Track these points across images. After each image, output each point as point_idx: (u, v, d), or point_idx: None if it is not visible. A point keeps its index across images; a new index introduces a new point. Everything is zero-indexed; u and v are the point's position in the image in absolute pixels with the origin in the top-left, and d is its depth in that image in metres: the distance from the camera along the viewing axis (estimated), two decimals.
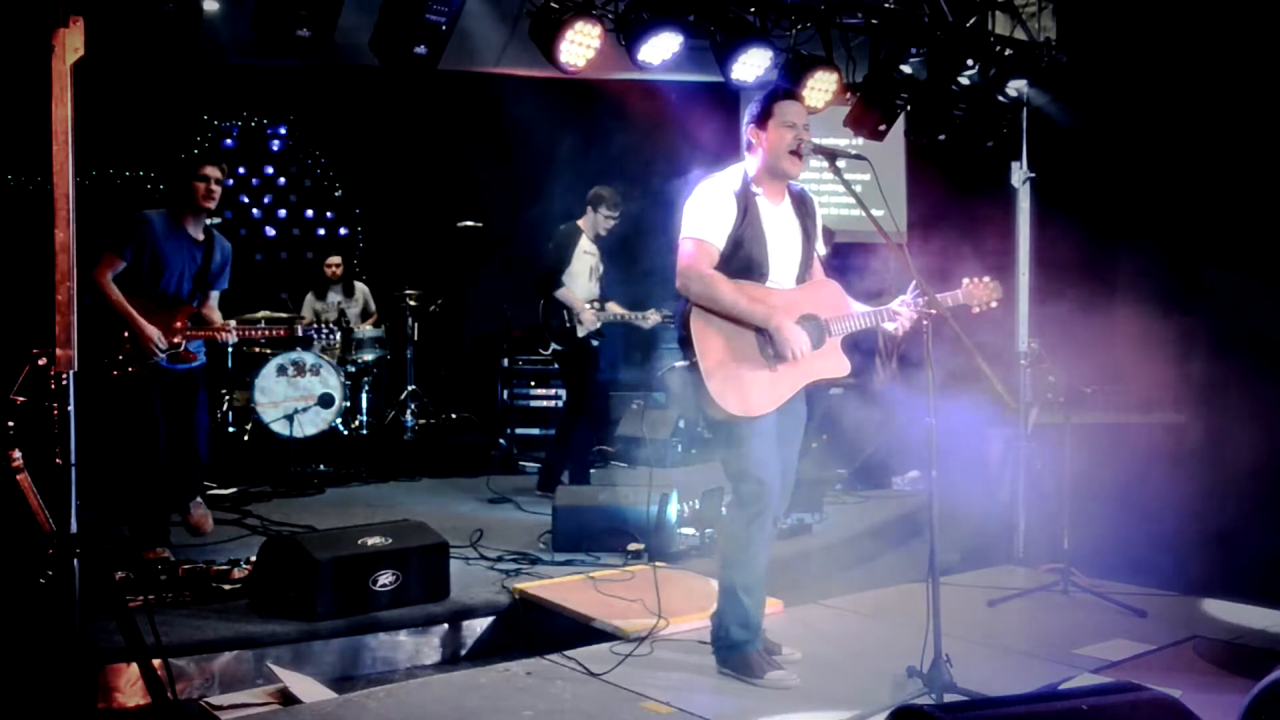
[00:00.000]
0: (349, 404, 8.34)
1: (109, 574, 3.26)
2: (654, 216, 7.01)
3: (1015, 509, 5.60)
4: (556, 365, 7.27)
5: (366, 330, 8.74)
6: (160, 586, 4.28)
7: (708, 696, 3.47)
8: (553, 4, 4.97)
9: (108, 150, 9.13)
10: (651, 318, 6.62)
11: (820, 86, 5.79)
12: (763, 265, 3.60)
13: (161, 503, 4.91)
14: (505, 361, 8.89)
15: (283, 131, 10.24)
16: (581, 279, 6.56)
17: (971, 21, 5.94)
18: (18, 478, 3.07)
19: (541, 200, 9.27)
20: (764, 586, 3.70)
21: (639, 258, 7.78)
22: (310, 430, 7.89)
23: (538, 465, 8.20)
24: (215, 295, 5.13)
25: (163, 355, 4.80)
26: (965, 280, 3.87)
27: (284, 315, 8.42)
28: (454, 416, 9.46)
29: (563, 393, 8.75)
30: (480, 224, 9.38)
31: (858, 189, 3.78)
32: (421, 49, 4.74)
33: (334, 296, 8.92)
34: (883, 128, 6.18)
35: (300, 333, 5.30)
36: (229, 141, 10.07)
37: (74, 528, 3.22)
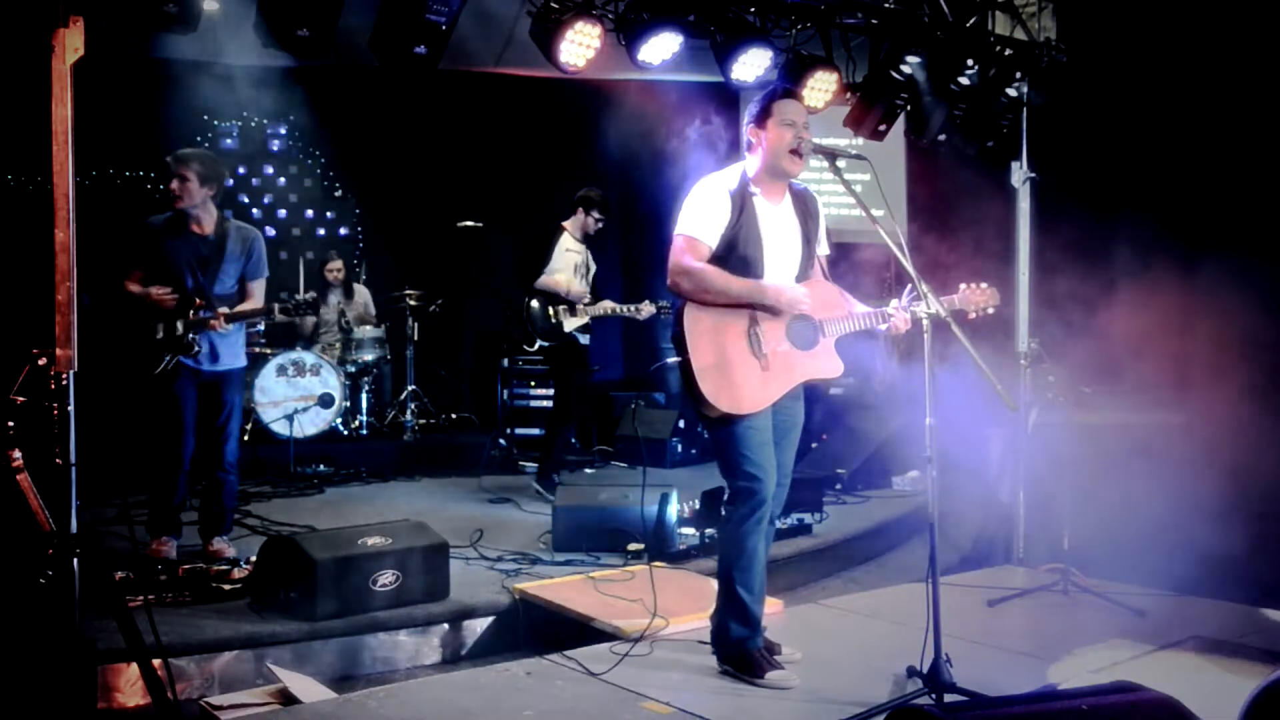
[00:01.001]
0: (349, 404, 8.34)
1: (109, 574, 3.25)
2: (652, 215, 7.02)
3: (1015, 509, 5.60)
4: (547, 364, 7.23)
5: (366, 330, 8.74)
6: (160, 586, 4.29)
7: (708, 696, 3.48)
8: (553, 4, 4.97)
9: (108, 150, 9.12)
10: (645, 309, 6.58)
11: (820, 86, 5.79)
12: (757, 265, 3.60)
13: (178, 501, 5.06)
14: (505, 361, 8.89)
15: (283, 131, 10.23)
16: (564, 276, 6.57)
17: (971, 21, 5.93)
18: (18, 478, 3.07)
19: (541, 200, 9.28)
20: (763, 584, 3.70)
21: (636, 255, 7.78)
22: (310, 430, 7.89)
23: (538, 465, 8.21)
24: (256, 286, 5.19)
25: (174, 305, 4.90)
26: (962, 285, 3.87)
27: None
28: (454, 416, 9.46)
29: None
30: (480, 224, 9.38)
31: (858, 189, 3.78)
32: (421, 49, 4.74)
33: (334, 299, 8.92)
34: (883, 128, 6.18)
35: (277, 312, 5.22)
36: (229, 141, 10.06)
37: (74, 528, 3.22)
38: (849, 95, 6.12)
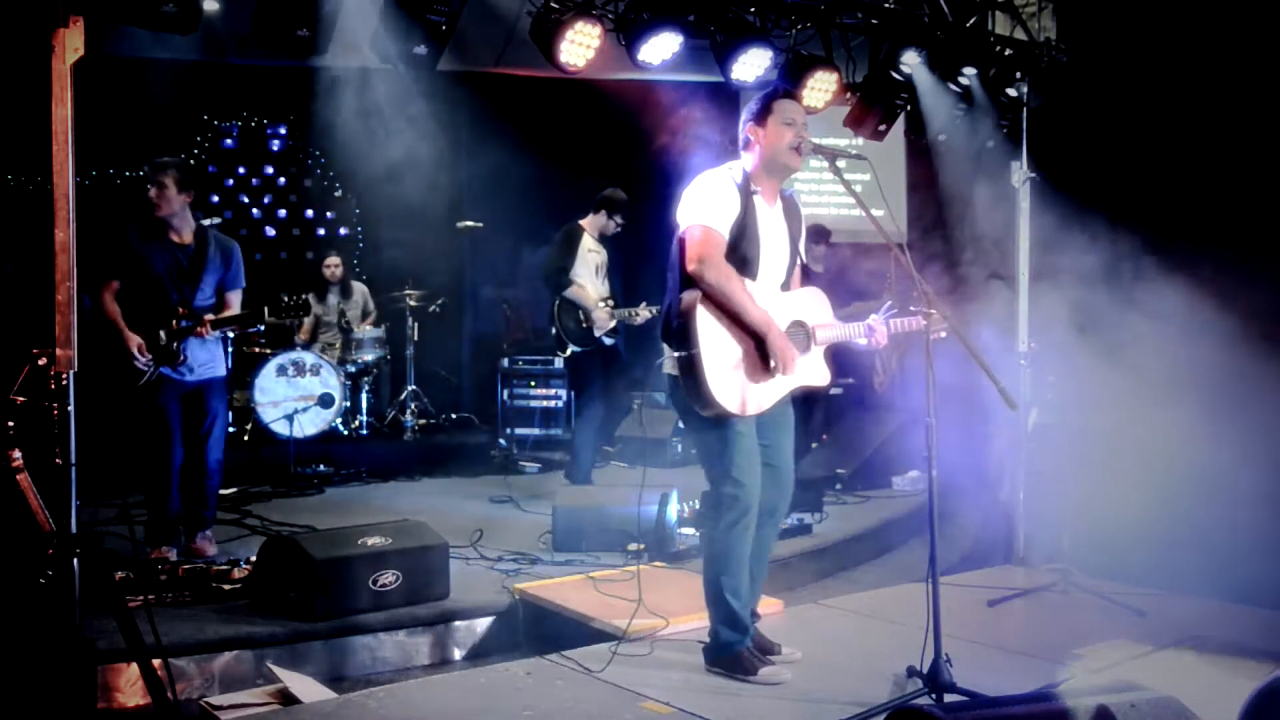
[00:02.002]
0: (349, 404, 8.34)
1: (109, 574, 3.26)
2: (651, 216, 7.01)
3: (1015, 509, 5.60)
4: (567, 367, 7.16)
5: (366, 330, 8.73)
6: (160, 586, 4.29)
7: (707, 696, 3.47)
8: (553, 4, 4.97)
9: (108, 150, 9.12)
10: (642, 313, 6.52)
11: (820, 86, 5.79)
12: (754, 264, 3.60)
13: (175, 512, 5.06)
14: (505, 361, 8.89)
15: (283, 131, 10.24)
16: (587, 278, 6.51)
17: (971, 21, 5.93)
18: (18, 478, 3.07)
19: (541, 200, 9.28)
20: (750, 585, 3.68)
21: (632, 256, 7.77)
22: (310, 430, 7.89)
23: (538, 465, 8.21)
24: (233, 296, 5.19)
25: (145, 365, 4.89)
26: (912, 308, 3.81)
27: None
28: (454, 416, 9.46)
29: (563, 393, 8.75)
30: (480, 224, 9.38)
31: (858, 189, 3.78)
32: (421, 49, 4.74)
33: (333, 298, 8.91)
34: (883, 128, 6.18)
35: (267, 315, 5.19)
36: (229, 141, 10.06)
37: (74, 528, 3.22)
38: (849, 95, 6.12)
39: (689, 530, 5.30)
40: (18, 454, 3.08)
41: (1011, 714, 2.48)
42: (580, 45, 4.99)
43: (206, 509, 5.17)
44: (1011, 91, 5.89)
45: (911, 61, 5.79)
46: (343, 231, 10.43)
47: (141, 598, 4.05)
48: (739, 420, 3.54)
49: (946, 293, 3.86)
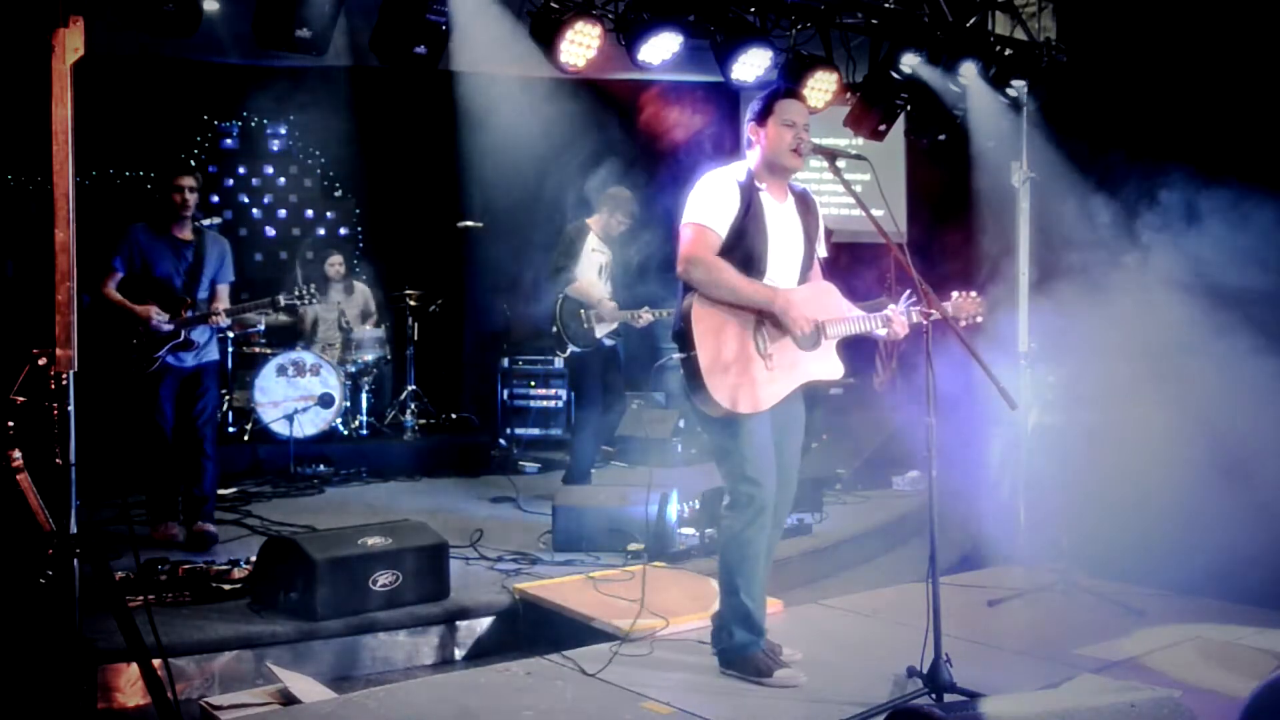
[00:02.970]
0: (349, 404, 8.34)
1: (109, 574, 3.25)
2: (652, 216, 7.01)
3: (1015, 509, 5.60)
4: (567, 367, 7.13)
5: (366, 330, 8.73)
6: (160, 586, 4.28)
7: (708, 696, 3.47)
8: (553, 4, 4.97)
9: (108, 150, 9.12)
10: (644, 317, 6.47)
11: (820, 86, 5.79)
12: (761, 261, 3.60)
13: (173, 489, 5.42)
14: (505, 361, 8.88)
15: (283, 131, 10.23)
16: (590, 278, 6.48)
17: (971, 21, 5.94)
18: (18, 478, 3.07)
19: (541, 200, 9.27)
20: (765, 586, 3.69)
21: (635, 258, 7.78)
22: (310, 430, 7.89)
23: (538, 466, 8.21)
24: (223, 289, 5.53)
25: (167, 330, 5.25)
26: (954, 293, 3.86)
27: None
28: (454, 416, 9.46)
29: (563, 393, 8.75)
30: (480, 224, 9.38)
31: (858, 189, 3.78)
32: (421, 49, 4.74)
33: (334, 296, 8.91)
34: (883, 128, 6.18)
35: (283, 302, 5.78)
36: (229, 141, 10.06)
37: (74, 528, 3.22)
38: (849, 95, 6.13)
39: (689, 530, 5.30)
40: (18, 454, 3.08)
41: (1012, 714, 2.48)
42: (580, 45, 4.99)
43: (206, 494, 5.40)
44: (1011, 91, 5.89)
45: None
46: (343, 231, 10.43)
47: (141, 598, 4.05)
48: (750, 418, 3.53)
49: (940, 297, 3.84)
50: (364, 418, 8.61)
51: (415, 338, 9.06)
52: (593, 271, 6.44)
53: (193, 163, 5.73)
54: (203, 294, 5.41)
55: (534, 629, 4.38)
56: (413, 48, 4.73)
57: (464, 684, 3.65)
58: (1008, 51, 5.89)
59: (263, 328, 8.27)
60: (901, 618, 4.33)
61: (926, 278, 3.56)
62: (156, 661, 3.20)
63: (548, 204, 8.74)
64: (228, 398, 8.28)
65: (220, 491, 6.77)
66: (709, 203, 3.56)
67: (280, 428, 7.74)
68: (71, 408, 3.25)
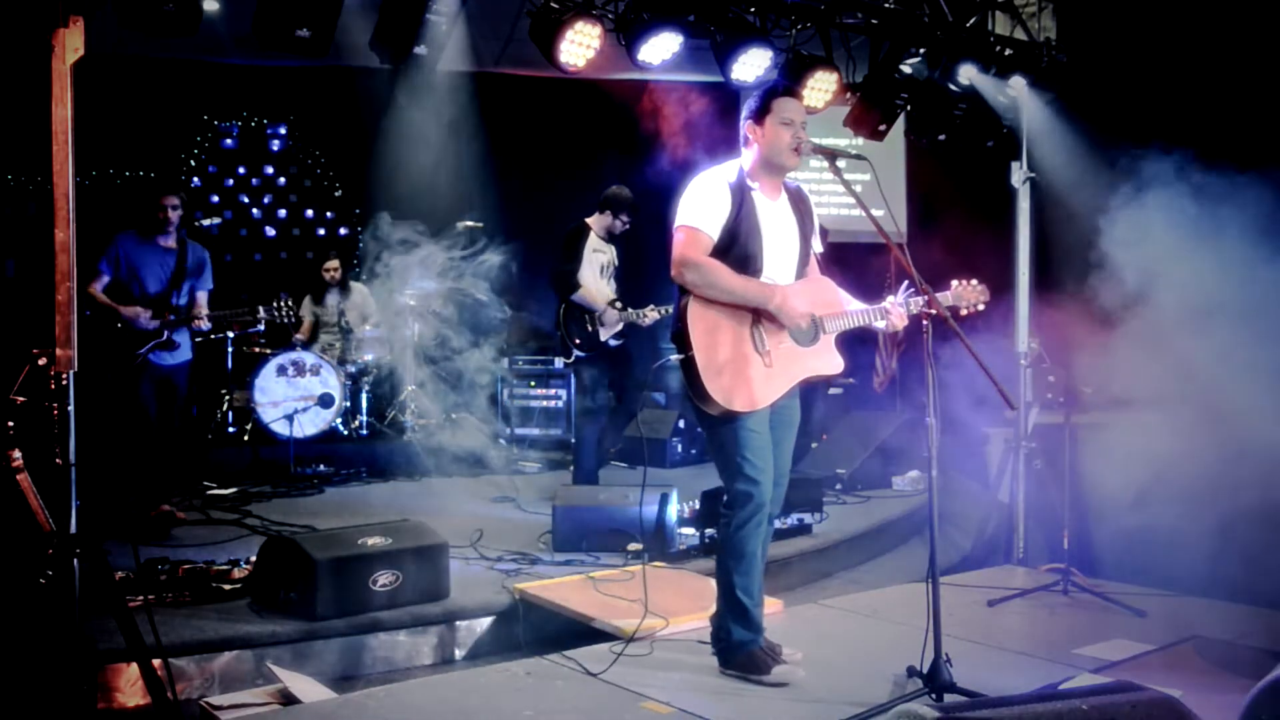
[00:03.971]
0: (349, 404, 8.34)
1: (109, 574, 3.26)
2: (653, 216, 7.00)
3: (1015, 509, 5.60)
4: (572, 371, 7.10)
5: (366, 330, 8.73)
6: (160, 586, 4.28)
7: (708, 696, 3.47)
8: (553, 4, 4.97)
9: (108, 150, 9.12)
10: (650, 315, 6.47)
11: (820, 86, 5.79)
12: (757, 259, 3.60)
13: (159, 471, 5.78)
14: (505, 361, 8.88)
15: (283, 131, 10.24)
16: (592, 278, 6.44)
17: (971, 21, 5.94)
18: (18, 478, 3.07)
19: (541, 200, 9.28)
20: (762, 585, 3.69)
21: (637, 257, 7.77)
22: (310, 430, 7.89)
23: (538, 465, 8.21)
24: (202, 296, 5.92)
25: (150, 330, 5.62)
26: (954, 282, 3.89)
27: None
28: (454, 416, 9.45)
29: (563, 393, 8.74)
30: (480, 224, 9.38)
31: (858, 189, 3.78)
32: (421, 49, 4.74)
33: (332, 298, 8.91)
34: (883, 128, 6.18)
35: (262, 313, 6.17)
36: (229, 141, 10.06)
37: (74, 528, 3.22)
38: (849, 95, 6.12)
39: (689, 530, 5.30)
40: (18, 454, 3.08)
41: (1011, 714, 2.47)
42: (580, 45, 4.99)
43: (173, 475, 5.96)
44: (1011, 91, 5.89)
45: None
46: (343, 231, 10.43)
47: (141, 598, 4.05)
48: (748, 416, 3.54)
49: (940, 289, 3.84)
50: (364, 418, 8.61)
51: (415, 338, 9.05)
52: (595, 271, 6.42)
53: (189, 168, 5.86)
54: (183, 300, 5.79)
55: (534, 629, 4.38)
56: (412, 47, 4.72)
57: (464, 684, 3.64)
58: (1008, 51, 5.88)
59: (263, 328, 8.27)
60: (901, 618, 4.33)
61: (926, 277, 3.56)
62: (156, 661, 3.21)
63: (548, 203, 8.74)
64: (227, 398, 8.28)
65: (220, 491, 6.80)
66: (700, 205, 3.57)
67: (280, 428, 7.74)
68: (71, 408, 3.25)
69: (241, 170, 10.07)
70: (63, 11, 3.26)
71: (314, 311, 8.81)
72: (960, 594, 4.78)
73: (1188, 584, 4.85)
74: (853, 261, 8.45)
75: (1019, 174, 5.80)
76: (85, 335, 5.15)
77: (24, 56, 3.40)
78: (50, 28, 3.26)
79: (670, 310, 6.26)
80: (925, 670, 3.33)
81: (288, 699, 3.50)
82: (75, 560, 3.16)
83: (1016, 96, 5.89)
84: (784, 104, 3.61)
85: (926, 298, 3.57)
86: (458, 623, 4.32)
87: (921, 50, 5.85)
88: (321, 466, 7.68)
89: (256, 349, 8.31)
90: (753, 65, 5.46)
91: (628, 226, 6.49)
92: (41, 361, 3.22)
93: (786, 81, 5.48)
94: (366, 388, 8.64)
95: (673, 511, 5.22)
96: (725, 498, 3.66)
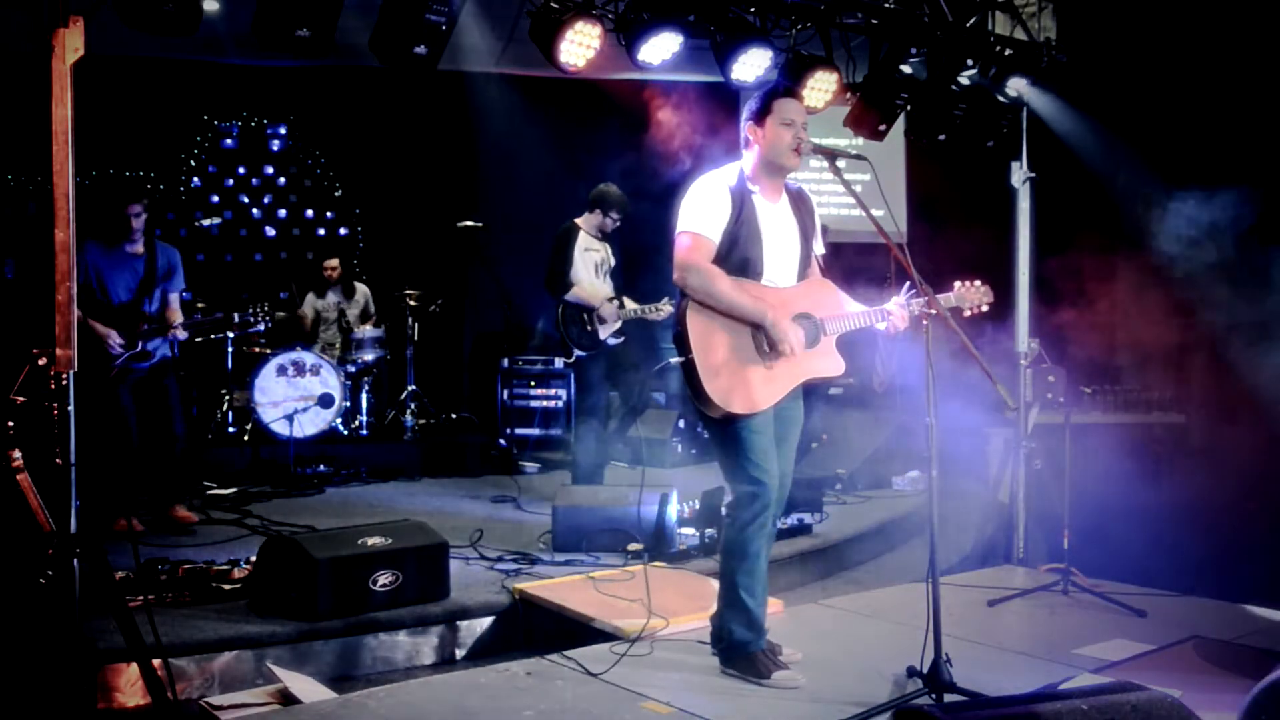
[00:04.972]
0: (349, 404, 8.34)
1: (109, 574, 3.26)
2: (654, 216, 7.00)
3: (1015, 509, 5.60)
4: (572, 371, 7.08)
5: (366, 330, 8.73)
6: (160, 586, 4.28)
7: (708, 696, 3.47)
8: (553, 4, 4.97)
9: (108, 150, 9.12)
10: (664, 308, 6.36)
11: (820, 86, 5.78)
12: (758, 263, 3.60)
13: (133, 484, 5.66)
14: (505, 361, 8.88)
15: (283, 131, 10.23)
16: (586, 277, 6.42)
17: (971, 21, 5.93)
18: (18, 478, 3.07)
19: (541, 200, 9.27)
20: (766, 586, 3.69)
21: (641, 256, 7.76)
22: (310, 430, 7.89)
23: (538, 465, 8.21)
24: (174, 298, 5.82)
25: (121, 351, 5.48)
26: (957, 283, 3.89)
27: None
28: (454, 416, 9.46)
29: (563, 393, 8.74)
30: (480, 224, 9.39)
31: (858, 189, 3.78)
32: (421, 49, 4.74)
33: (333, 297, 8.91)
34: (883, 128, 6.18)
35: (236, 319, 5.95)
36: (229, 141, 10.06)
37: (74, 528, 3.22)
38: (849, 95, 6.12)
39: (689, 530, 5.30)
40: (18, 454, 3.08)
41: (1011, 714, 2.47)
42: (580, 45, 4.99)
43: (180, 477, 5.74)
44: (1011, 91, 5.89)
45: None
46: (343, 231, 10.43)
47: (141, 598, 4.05)
48: (751, 418, 3.54)
49: (942, 290, 3.85)
50: (364, 418, 8.61)
51: (415, 338, 9.06)
52: (589, 270, 6.38)
53: (145, 189, 5.84)
54: (154, 306, 5.68)
55: (534, 629, 4.38)
56: (413, 48, 4.72)
57: (464, 684, 3.64)
58: (1008, 51, 5.88)
59: (263, 327, 8.26)
60: (901, 618, 4.33)
61: (926, 277, 3.56)
62: (156, 661, 3.21)
63: (548, 203, 8.74)
64: (227, 398, 8.28)
65: (220, 491, 6.80)
66: (702, 210, 3.57)
67: (280, 428, 7.74)
68: (71, 408, 3.25)
69: (241, 170, 10.07)
70: (63, 11, 3.26)
71: (315, 308, 8.81)
72: (960, 594, 4.78)
73: (1188, 584, 4.85)
74: (853, 261, 8.46)
75: (1019, 174, 5.80)
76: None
77: (23, 56, 3.40)
78: (50, 28, 3.25)
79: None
80: (925, 670, 3.33)
81: (288, 699, 3.50)
82: (75, 560, 3.16)
83: (1016, 97, 5.90)
84: (785, 105, 3.61)
85: (929, 302, 3.57)
86: (458, 623, 4.32)
87: (921, 50, 5.85)
88: (321, 466, 7.68)
89: (256, 349, 8.31)
90: (753, 65, 5.46)
91: (619, 224, 6.47)
92: (41, 362, 3.22)
93: (787, 82, 5.48)
94: (366, 388, 8.64)
95: (673, 511, 5.22)
96: (729, 498, 3.66)
